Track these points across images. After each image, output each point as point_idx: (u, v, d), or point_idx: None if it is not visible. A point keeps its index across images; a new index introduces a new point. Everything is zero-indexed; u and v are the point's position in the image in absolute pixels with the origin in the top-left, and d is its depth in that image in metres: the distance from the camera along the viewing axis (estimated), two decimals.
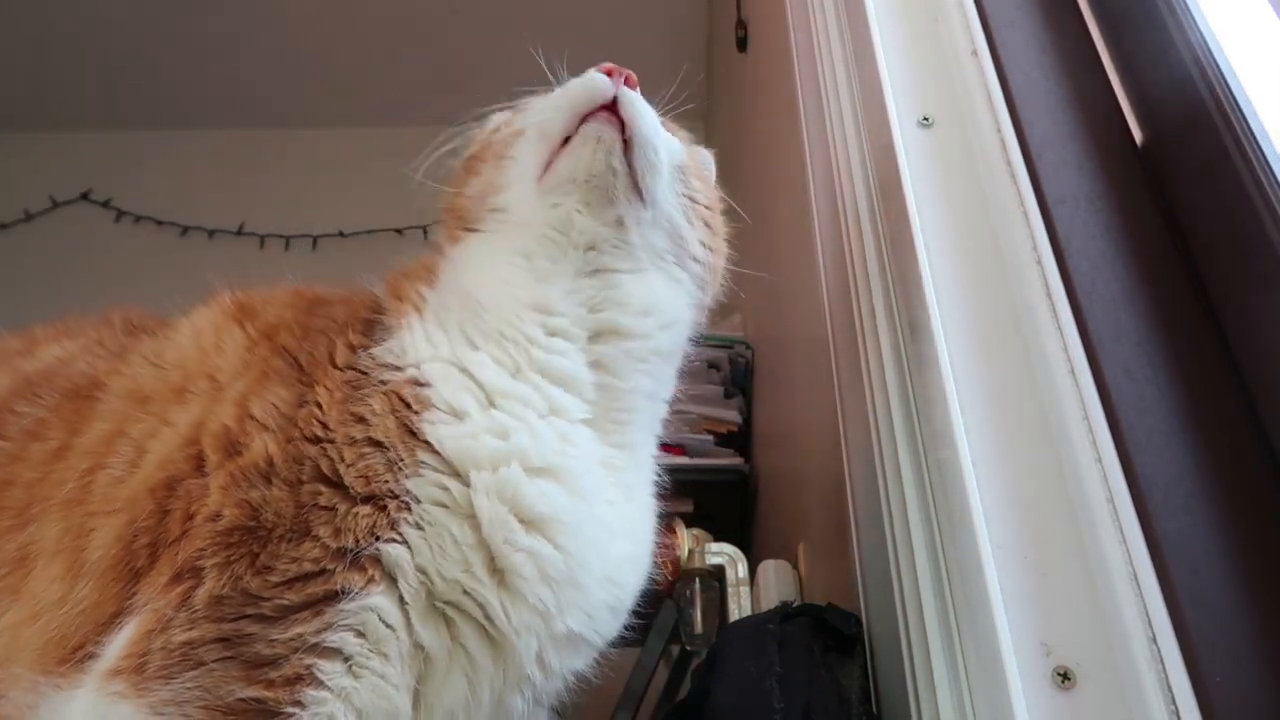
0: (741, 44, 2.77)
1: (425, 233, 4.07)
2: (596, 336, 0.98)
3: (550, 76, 1.10)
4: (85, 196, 4.36)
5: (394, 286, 1.04)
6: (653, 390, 1.05)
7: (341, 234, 4.18)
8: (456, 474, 0.86)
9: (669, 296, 1.05)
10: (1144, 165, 1.03)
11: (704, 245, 1.09)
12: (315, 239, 4.20)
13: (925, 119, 1.18)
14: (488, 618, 0.84)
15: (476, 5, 3.97)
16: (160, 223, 4.32)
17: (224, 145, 4.47)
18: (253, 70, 4.29)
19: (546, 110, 1.02)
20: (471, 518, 0.85)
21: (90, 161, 4.40)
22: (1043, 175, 1.03)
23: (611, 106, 0.99)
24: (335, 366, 0.93)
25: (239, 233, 4.28)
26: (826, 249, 1.47)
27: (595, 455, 0.96)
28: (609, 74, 1.00)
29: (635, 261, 1.02)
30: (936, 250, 1.04)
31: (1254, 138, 0.90)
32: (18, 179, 4.31)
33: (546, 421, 0.92)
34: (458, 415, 0.89)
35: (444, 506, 0.85)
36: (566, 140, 1.01)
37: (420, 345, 0.94)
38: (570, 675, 0.94)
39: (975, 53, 1.20)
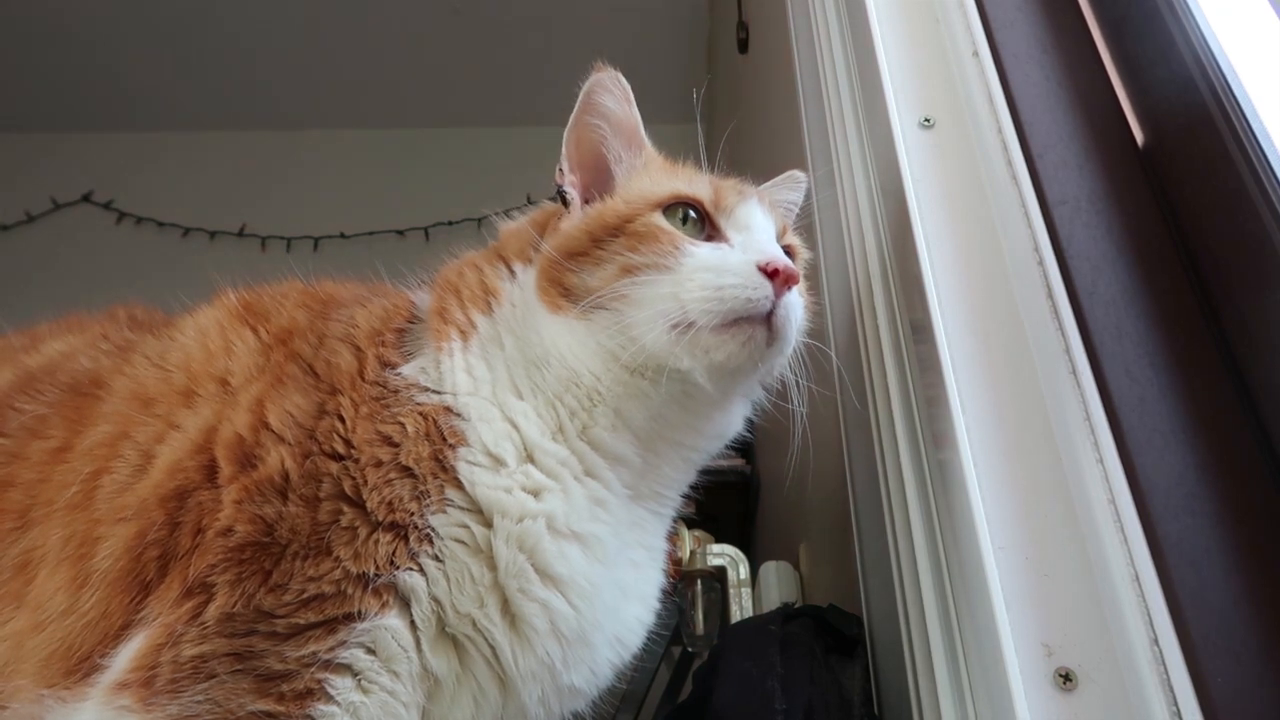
0: (743, 45, 2.77)
1: (426, 235, 4.09)
2: (661, 440, 0.97)
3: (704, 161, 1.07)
4: (87, 198, 4.37)
5: (440, 302, 1.00)
6: (694, 475, 1.05)
7: (343, 235, 4.18)
8: (481, 516, 0.85)
9: (740, 418, 1.05)
10: (1145, 166, 1.03)
11: (783, 364, 1.02)
12: (317, 240, 4.20)
13: (926, 120, 1.18)
14: (496, 657, 0.84)
15: (478, 7, 3.97)
16: (162, 224, 4.32)
17: (226, 147, 4.47)
18: (255, 72, 4.30)
19: (698, 297, 0.91)
20: (490, 559, 0.84)
21: (92, 163, 4.41)
22: (1044, 176, 1.03)
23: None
24: (364, 380, 0.90)
25: (240, 234, 4.29)
26: (828, 250, 1.47)
27: (626, 518, 0.95)
28: (773, 276, 0.91)
29: (728, 401, 1.01)
30: (938, 251, 1.04)
31: (1255, 138, 0.90)
32: (19, 180, 4.32)
33: (582, 484, 0.91)
34: (495, 462, 0.88)
35: (464, 544, 0.84)
36: None
37: (459, 376, 0.93)
38: (569, 713, 0.95)
39: (976, 54, 1.20)
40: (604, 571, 0.90)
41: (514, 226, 1.08)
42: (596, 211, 1.01)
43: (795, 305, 0.94)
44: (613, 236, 0.97)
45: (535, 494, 0.88)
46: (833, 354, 1.37)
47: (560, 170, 1.05)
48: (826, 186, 1.47)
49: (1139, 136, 1.06)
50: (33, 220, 4.30)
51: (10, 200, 4.24)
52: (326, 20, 4.05)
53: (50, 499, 0.90)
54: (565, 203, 1.04)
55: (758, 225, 1.01)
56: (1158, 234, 0.97)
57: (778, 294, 0.91)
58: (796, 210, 1.24)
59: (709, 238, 0.98)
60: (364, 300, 1.03)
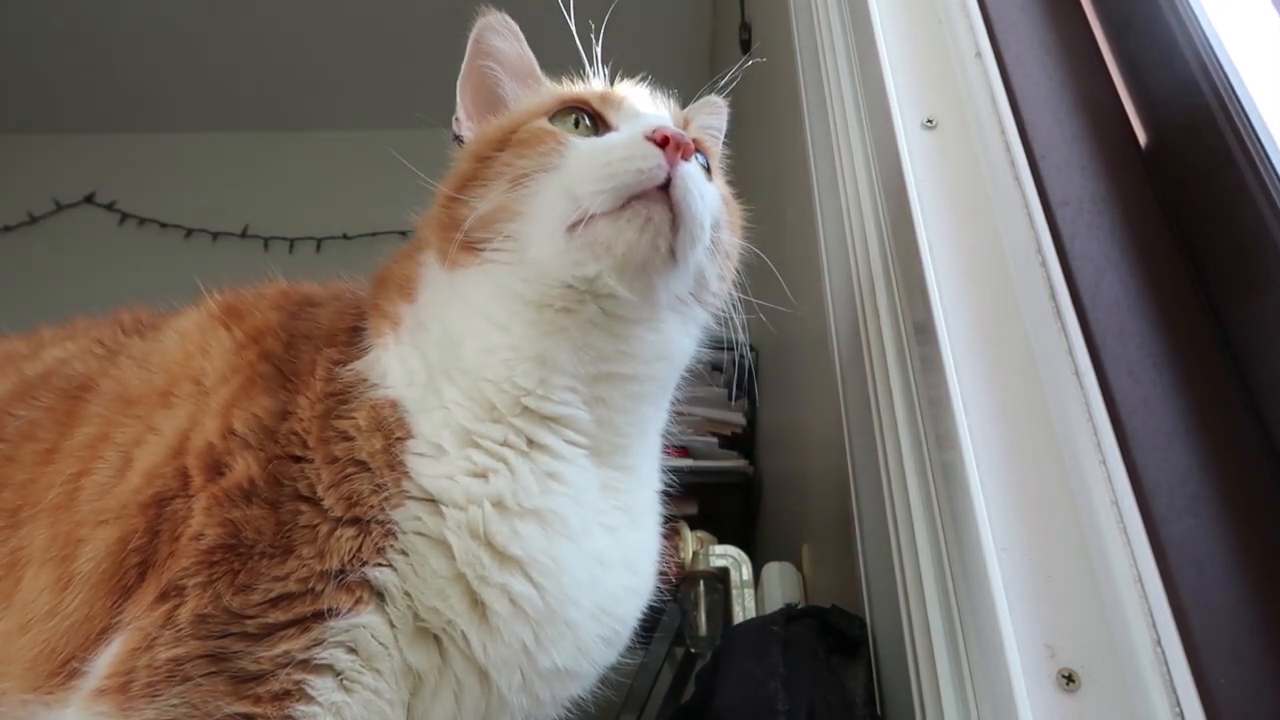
0: (745, 46, 2.77)
1: None
2: (600, 380, 0.92)
3: (585, 63, 1.05)
4: (90, 199, 4.37)
5: (374, 297, 0.99)
6: (655, 413, 1.01)
7: (346, 236, 4.18)
8: (435, 506, 0.84)
9: (681, 339, 0.98)
10: (1148, 167, 1.03)
11: (720, 279, 1.00)
12: (319, 241, 4.20)
13: (929, 121, 1.18)
14: (470, 648, 0.84)
15: (479, 6, 3.96)
16: (164, 225, 4.32)
17: (228, 148, 4.47)
18: (256, 73, 4.30)
19: (587, 180, 0.88)
20: (449, 549, 0.83)
21: (95, 164, 4.41)
22: (1046, 177, 1.03)
23: (663, 183, 0.87)
24: (316, 378, 0.90)
25: (243, 235, 4.29)
26: (831, 251, 1.47)
27: (591, 483, 0.92)
28: (663, 144, 0.87)
29: (654, 312, 0.93)
30: (941, 252, 1.04)
31: (1258, 139, 0.90)
32: (22, 181, 4.32)
33: (528, 460, 0.88)
34: (437, 450, 0.87)
35: (423, 536, 0.84)
36: None
37: (396, 368, 0.91)
38: (567, 702, 0.93)
39: (979, 54, 1.20)
40: (569, 545, 0.88)
41: (428, 214, 1.05)
42: (481, 130, 0.99)
43: (694, 177, 0.88)
44: (498, 150, 0.95)
45: (481, 477, 0.86)
46: (835, 354, 1.37)
47: (456, 119, 1.03)
48: (829, 187, 1.47)
49: (1141, 137, 1.06)
50: (35, 221, 4.30)
51: (12, 201, 4.24)
52: (329, 21, 4.05)
53: (37, 499, 0.90)
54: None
55: (647, 110, 0.98)
56: (1160, 235, 0.97)
57: (670, 162, 0.86)
58: (720, 136, 1.21)
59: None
60: (336, 298, 1.02)
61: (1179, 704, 0.69)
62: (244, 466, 0.83)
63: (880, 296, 1.17)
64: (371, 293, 1.01)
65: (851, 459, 1.27)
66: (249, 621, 0.77)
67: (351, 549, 0.80)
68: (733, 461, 2.19)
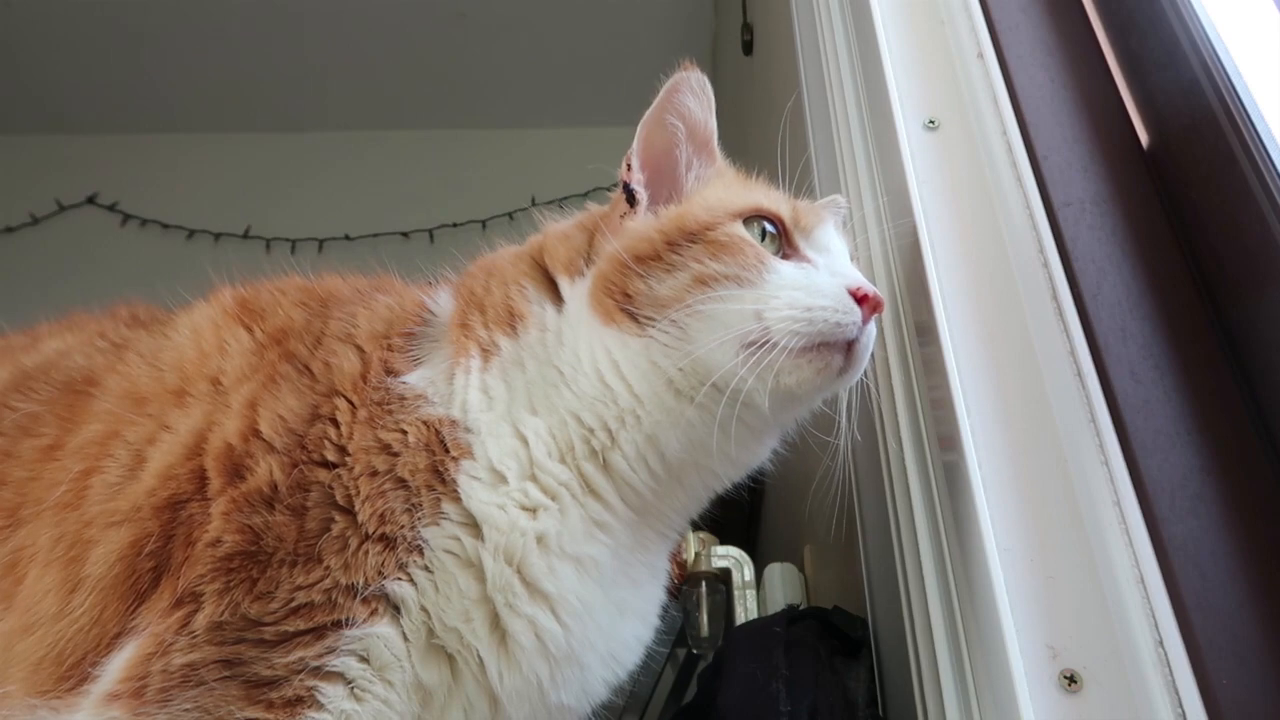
0: (747, 47, 2.77)
1: (431, 237, 4.09)
2: (690, 467, 0.94)
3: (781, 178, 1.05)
4: (91, 200, 4.37)
5: (463, 316, 0.95)
6: (709, 501, 1.02)
7: (348, 237, 4.18)
8: (474, 529, 0.84)
9: (771, 449, 1.02)
10: (1150, 168, 1.03)
11: None
12: (321, 242, 4.20)
13: (931, 122, 1.18)
14: (484, 673, 0.83)
15: (483, 9, 3.97)
16: (166, 226, 4.32)
17: (230, 149, 4.48)
18: (259, 74, 4.30)
19: (784, 313, 0.87)
20: (480, 572, 0.83)
21: (96, 165, 4.40)
22: (1049, 178, 1.03)
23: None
24: (366, 383, 0.88)
25: (245, 236, 4.28)
26: None
27: (630, 540, 0.92)
28: (862, 301, 0.89)
29: (775, 431, 0.99)
30: (943, 253, 1.04)
31: (1260, 141, 0.90)
32: (23, 182, 4.31)
33: (581, 505, 0.88)
34: (496, 478, 0.86)
35: (454, 555, 0.83)
36: None
37: (473, 394, 0.90)
38: None
39: (981, 55, 1.20)
40: (599, 590, 0.88)
41: (562, 230, 1.03)
42: (675, 214, 0.96)
43: (873, 335, 0.92)
44: (690, 242, 0.93)
45: (531, 512, 0.85)
46: None
47: (628, 166, 1.00)
48: (831, 188, 1.47)
49: (1144, 138, 1.06)
50: (37, 222, 4.29)
51: (14, 202, 4.24)
52: (330, 22, 4.05)
53: (40, 497, 0.89)
54: (631, 201, 0.98)
55: (837, 248, 0.98)
56: (1162, 236, 0.97)
57: (864, 321, 0.89)
58: None
59: (785, 257, 0.95)
60: (366, 297, 1.00)
61: (1181, 705, 0.69)
62: (266, 470, 0.82)
63: (882, 297, 1.17)
64: (460, 309, 0.97)
65: (854, 460, 1.27)
66: (266, 629, 0.76)
67: (376, 565, 0.80)
68: None
